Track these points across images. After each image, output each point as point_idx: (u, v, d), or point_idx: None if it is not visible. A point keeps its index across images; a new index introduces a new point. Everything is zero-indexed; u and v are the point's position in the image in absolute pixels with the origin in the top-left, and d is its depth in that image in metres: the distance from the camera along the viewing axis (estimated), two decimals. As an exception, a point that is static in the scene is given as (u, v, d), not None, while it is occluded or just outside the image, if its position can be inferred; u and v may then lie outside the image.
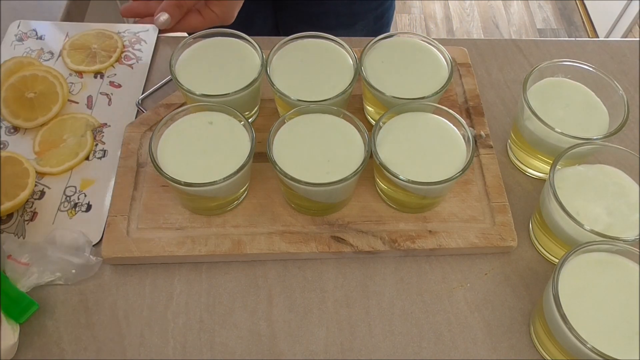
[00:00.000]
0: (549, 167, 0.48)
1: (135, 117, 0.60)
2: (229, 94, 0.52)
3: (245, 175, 0.50)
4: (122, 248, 0.50)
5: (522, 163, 0.58)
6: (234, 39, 0.57)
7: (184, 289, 0.50)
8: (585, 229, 0.44)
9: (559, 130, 0.50)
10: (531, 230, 0.54)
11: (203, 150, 0.49)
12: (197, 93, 0.52)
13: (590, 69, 0.54)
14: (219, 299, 0.49)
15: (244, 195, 0.54)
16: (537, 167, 0.57)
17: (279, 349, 0.47)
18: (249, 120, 0.59)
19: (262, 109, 0.60)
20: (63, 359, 0.46)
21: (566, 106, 0.54)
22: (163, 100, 0.60)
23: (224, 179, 0.46)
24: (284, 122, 0.51)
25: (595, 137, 0.50)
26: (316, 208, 0.52)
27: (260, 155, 0.52)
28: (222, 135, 0.50)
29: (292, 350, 0.47)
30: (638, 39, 0.72)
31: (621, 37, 1.99)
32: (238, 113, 0.50)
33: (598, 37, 2.13)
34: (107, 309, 0.48)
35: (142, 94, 0.62)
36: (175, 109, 0.52)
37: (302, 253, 0.51)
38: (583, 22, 2.22)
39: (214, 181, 0.46)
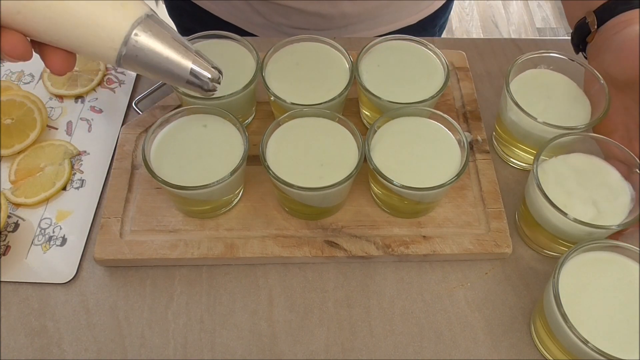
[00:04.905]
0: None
1: (116, 146, 0.57)
2: (224, 96, 0.51)
3: (238, 178, 0.50)
4: (115, 250, 0.50)
5: (507, 155, 0.58)
6: (229, 40, 0.57)
7: (184, 289, 0.50)
8: (569, 219, 0.44)
9: (542, 121, 0.50)
10: (517, 221, 0.54)
11: (197, 153, 0.49)
12: (193, 95, 0.51)
13: (571, 59, 0.55)
14: (220, 300, 0.49)
15: (238, 198, 0.53)
16: (522, 159, 0.57)
17: (280, 349, 0.47)
18: (245, 123, 0.59)
19: (259, 112, 0.60)
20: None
21: (548, 97, 0.54)
22: (159, 102, 0.59)
23: (217, 182, 0.46)
24: (278, 126, 0.50)
25: (578, 126, 0.50)
26: (310, 212, 0.52)
27: (255, 159, 0.51)
28: (216, 138, 0.50)
29: (293, 350, 0.47)
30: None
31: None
32: (232, 116, 0.50)
33: (597, 36, 2.12)
34: (107, 310, 0.49)
35: (124, 118, 0.60)
36: (169, 112, 0.52)
37: (295, 257, 0.50)
38: (582, 21, 2.22)
39: (207, 184, 0.46)
